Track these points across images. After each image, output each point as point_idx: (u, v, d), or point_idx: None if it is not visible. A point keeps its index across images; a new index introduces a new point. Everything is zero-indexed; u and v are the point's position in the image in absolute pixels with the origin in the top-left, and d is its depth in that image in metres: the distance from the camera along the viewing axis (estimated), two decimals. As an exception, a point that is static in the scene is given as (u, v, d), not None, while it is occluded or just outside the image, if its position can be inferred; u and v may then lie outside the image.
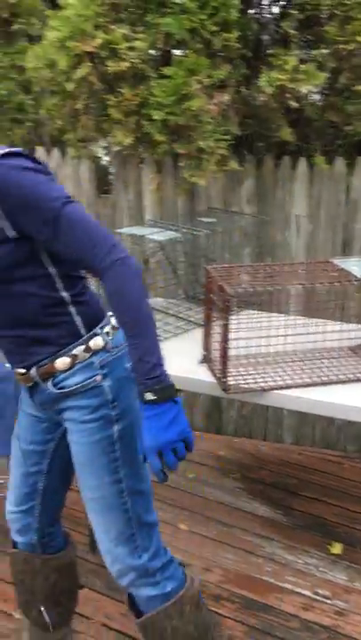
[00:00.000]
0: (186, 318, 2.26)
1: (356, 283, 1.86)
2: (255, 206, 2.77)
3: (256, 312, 2.03)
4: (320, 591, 2.13)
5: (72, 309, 1.30)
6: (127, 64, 2.27)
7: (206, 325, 1.94)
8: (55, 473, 1.56)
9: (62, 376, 1.33)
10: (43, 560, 1.65)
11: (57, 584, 1.69)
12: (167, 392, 1.20)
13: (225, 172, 2.56)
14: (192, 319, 2.25)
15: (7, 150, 1.17)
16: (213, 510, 2.53)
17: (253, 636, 1.94)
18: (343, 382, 1.88)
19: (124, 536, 1.41)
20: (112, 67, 2.28)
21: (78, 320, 1.32)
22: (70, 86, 2.39)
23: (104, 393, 1.34)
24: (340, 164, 2.65)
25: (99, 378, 1.33)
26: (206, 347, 1.94)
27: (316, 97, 2.70)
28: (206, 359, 1.95)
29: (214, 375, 1.86)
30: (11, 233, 1.19)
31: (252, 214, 2.71)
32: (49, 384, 1.34)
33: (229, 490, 2.66)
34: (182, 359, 1.97)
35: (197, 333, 2.17)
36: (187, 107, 2.20)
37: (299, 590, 2.13)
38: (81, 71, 2.31)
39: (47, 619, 1.70)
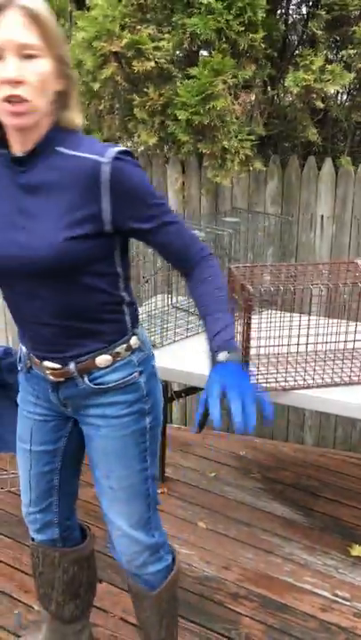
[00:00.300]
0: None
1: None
2: (279, 207, 2.77)
3: (278, 312, 2.03)
4: (339, 593, 2.12)
5: (125, 309, 1.37)
6: (152, 64, 2.29)
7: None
8: (68, 466, 1.57)
9: (101, 372, 1.36)
10: (62, 553, 1.67)
11: (76, 577, 1.71)
12: (241, 358, 1.36)
13: (249, 173, 2.56)
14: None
15: (126, 148, 1.25)
16: (233, 509, 2.53)
17: (271, 635, 1.94)
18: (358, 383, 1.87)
19: (144, 520, 1.50)
20: (138, 66, 2.30)
21: (127, 319, 1.38)
22: (96, 86, 2.41)
23: (140, 388, 1.40)
24: (365, 164, 2.64)
25: (137, 374, 1.39)
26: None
27: (343, 97, 2.70)
28: (227, 357, 1.95)
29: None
30: (108, 227, 1.24)
31: (275, 214, 2.71)
32: (85, 379, 1.36)
33: (250, 490, 2.66)
34: (202, 357, 1.98)
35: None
36: (211, 107, 2.21)
37: (317, 591, 2.12)
38: (107, 71, 2.34)
39: (66, 611, 1.73)
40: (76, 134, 1.25)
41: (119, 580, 2.14)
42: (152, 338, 2.06)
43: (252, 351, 1.79)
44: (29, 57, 1.12)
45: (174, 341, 2.08)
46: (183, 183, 2.76)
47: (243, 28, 2.27)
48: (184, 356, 2.00)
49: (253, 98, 2.46)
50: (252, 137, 2.40)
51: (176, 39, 2.36)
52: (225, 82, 2.23)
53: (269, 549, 2.32)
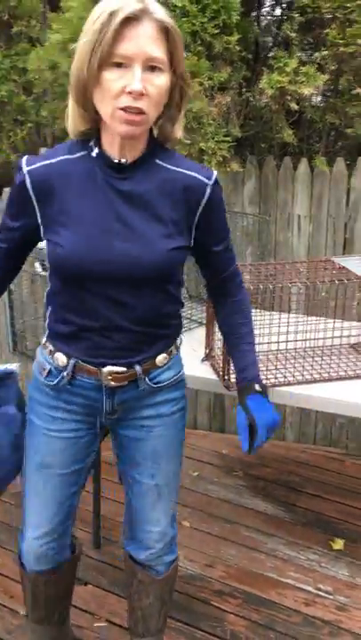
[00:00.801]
0: (189, 317, 2.28)
1: (356, 280, 1.89)
2: (257, 207, 2.80)
3: (258, 311, 2.05)
4: (322, 587, 2.15)
5: (181, 313, 1.47)
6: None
7: (209, 324, 1.97)
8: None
9: (158, 371, 1.40)
10: (65, 571, 1.61)
11: (69, 585, 1.70)
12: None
13: (227, 174, 2.58)
14: (195, 318, 2.28)
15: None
16: (216, 507, 2.56)
17: (256, 630, 1.97)
18: (344, 379, 1.91)
19: (174, 513, 1.60)
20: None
21: (181, 322, 1.48)
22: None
23: (184, 385, 1.51)
24: (340, 164, 2.68)
25: (183, 372, 1.49)
26: (209, 345, 1.97)
27: (318, 99, 2.74)
28: (209, 357, 1.97)
29: (217, 373, 1.89)
30: (189, 242, 1.33)
31: (254, 214, 2.73)
32: (146, 379, 1.39)
33: (232, 487, 2.69)
34: (186, 357, 1.99)
35: (200, 332, 2.19)
36: (188, 109, 2.23)
37: (301, 586, 2.15)
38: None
39: (58, 616, 1.70)
40: (170, 149, 1.32)
41: (105, 582, 2.15)
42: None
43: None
44: (153, 69, 1.15)
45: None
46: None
47: (218, 31, 2.29)
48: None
49: (229, 100, 2.48)
50: (229, 138, 2.43)
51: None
52: (201, 84, 2.25)
53: (253, 546, 2.34)
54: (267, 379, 1.87)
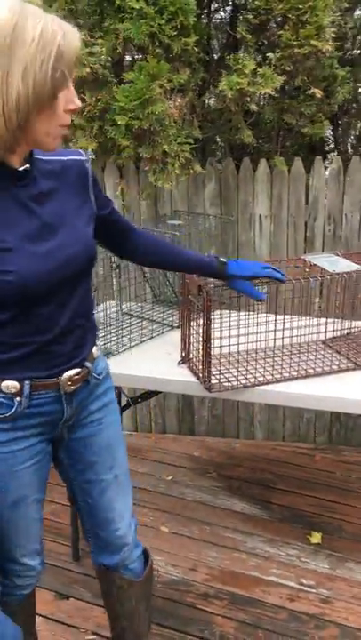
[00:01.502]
0: (160, 321, 2.27)
1: (335, 277, 1.92)
2: (218, 208, 2.81)
3: (228, 312, 2.06)
4: (304, 581, 2.18)
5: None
6: (88, 69, 2.27)
7: (184, 326, 1.96)
8: None
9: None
10: (33, 592, 1.60)
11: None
12: None
13: (189, 175, 2.59)
14: (165, 321, 2.27)
15: None
16: (193, 510, 2.55)
17: (244, 630, 1.97)
18: (320, 375, 1.93)
19: (131, 500, 1.58)
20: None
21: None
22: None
23: (110, 373, 1.52)
24: (298, 164, 2.72)
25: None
26: (185, 347, 1.96)
27: (273, 100, 2.76)
28: (186, 360, 1.96)
29: (195, 375, 1.88)
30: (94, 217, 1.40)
31: (217, 215, 2.75)
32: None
33: (207, 489, 2.69)
34: (161, 361, 1.99)
35: (171, 335, 2.18)
36: (150, 111, 2.22)
37: (284, 582, 2.17)
38: (41, 77, 2.29)
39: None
40: None
41: (88, 595, 2.11)
42: (107, 345, 2.04)
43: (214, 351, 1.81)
44: None
45: (130, 347, 2.07)
46: (122, 189, 2.75)
47: (175, 33, 2.29)
48: (142, 361, 2.00)
49: (187, 101, 2.48)
50: (190, 140, 2.43)
51: (109, 44, 2.35)
52: (162, 86, 2.24)
53: (233, 546, 2.35)
54: (246, 379, 1.88)
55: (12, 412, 1.27)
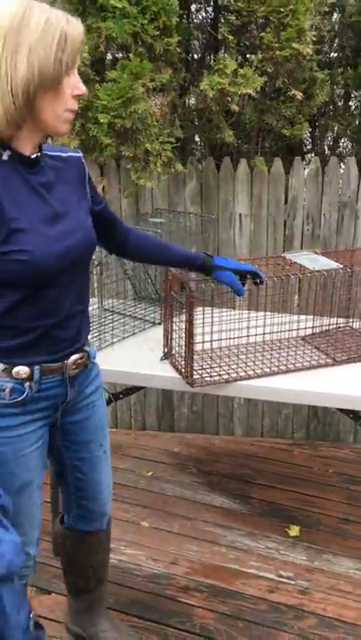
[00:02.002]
0: (142, 318, 2.29)
1: (315, 274, 1.96)
2: (199, 207, 2.84)
3: (209, 309, 2.09)
4: (283, 573, 2.22)
5: None
6: (70, 67, 2.28)
7: (166, 322, 1.99)
8: None
9: (88, 347, 1.49)
10: None
11: None
12: None
13: (171, 174, 2.61)
14: (147, 318, 2.29)
15: None
16: (173, 505, 2.58)
17: (224, 622, 2.00)
18: (300, 370, 1.98)
19: None
20: (55, 70, 2.28)
21: None
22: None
23: None
24: (278, 164, 2.77)
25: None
26: (168, 343, 1.99)
27: (253, 100, 2.80)
28: (168, 355, 1.99)
29: (178, 371, 1.91)
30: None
31: (198, 214, 2.78)
32: (90, 358, 1.50)
33: (187, 484, 2.72)
34: (144, 357, 2.01)
35: (153, 331, 2.21)
36: (133, 110, 2.24)
37: (263, 574, 2.21)
38: (23, 74, 2.29)
39: None
40: None
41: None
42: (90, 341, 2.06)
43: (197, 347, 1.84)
44: None
45: (112, 343, 2.09)
46: (103, 187, 2.76)
47: (158, 33, 2.31)
48: (124, 357, 2.02)
49: (169, 100, 2.51)
50: (172, 139, 2.45)
51: (91, 43, 2.36)
52: (144, 85, 2.26)
53: (213, 540, 2.38)
54: (227, 374, 1.91)
55: (24, 396, 1.34)
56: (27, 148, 1.26)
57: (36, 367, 1.34)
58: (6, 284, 1.25)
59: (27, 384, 1.33)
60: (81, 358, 1.44)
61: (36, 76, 1.17)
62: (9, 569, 1.12)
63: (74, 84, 1.23)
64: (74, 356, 1.41)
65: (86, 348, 1.47)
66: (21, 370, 1.32)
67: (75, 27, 1.20)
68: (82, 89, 1.25)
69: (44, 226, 1.27)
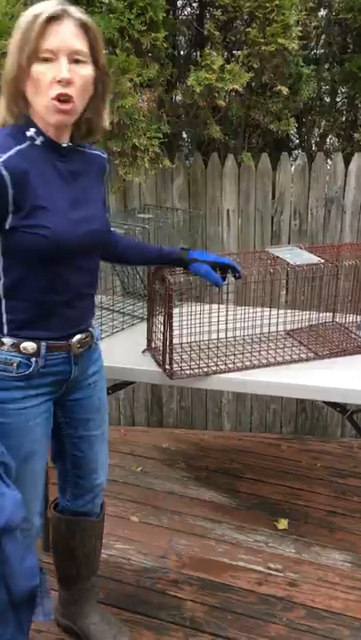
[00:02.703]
0: (130, 313, 2.29)
1: (289, 269, 1.97)
2: (186, 202, 2.85)
3: (197, 304, 2.10)
4: (272, 565, 2.23)
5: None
6: (57, 63, 2.27)
7: (149, 316, 1.99)
8: None
9: (92, 329, 1.57)
10: None
11: None
12: None
13: (159, 169, 2.62)
14: (136, 314, 2.29)
15: None
16: (163, 500, 2.58)
17: (214, 614, 2.02)
18: (281, 364, 1.99)
19: None
20: (42, 65, 2.27)
21: None
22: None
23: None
24: (265, 160, 2.78)
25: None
26: (150, 337, 1.99)
27: (240, 96, 2.81)
28: (150, 349, 2.00)
29: (158, 364, 1.92)
30: None
31: (186, 209, 2.78)
32: (94, 339, 1.58)
33: (176, 479, 2.73)
34: (128, 352, 2.02)
35: (141, 327, 2.21)
36: (120, 105, 2.24)
37: (252, 567, 2.23)
38: (10, 70, 2.28)
39: None
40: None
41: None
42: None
43: (174, 341, 1.84)
44: (77, 62, 1.29)
45: (101, 339, 2.09)
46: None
47: (145, 28, 2.31)
48: (113, 352, 2.02)
49: (157, 96, 2.51)
50: (160, 135, 2.46)
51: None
52: (131, 80, 2.26)
53: (202, 534, 2.39)
54: (208, 367, 1.92)
55: (30, 371, 1.41)
56: (59, 136, 1.36)
57: (43, 343, 1.41)
58: (26, 256, 1.33)
59: (33, 359, 1.41)
60: (85, 338, 1.50)
61: (10, 62, 1.29)
62: (8, 522, 1.20)
63: (56, 71, 1.26)
64: (78, 335, 1.48)
65: (91, 329, 1.54)
66: (29, 345, 1.40)
67: (41, 12, 1.26)
68: (62, 75, 1.26)
69: (66, 208, 1.36)
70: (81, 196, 1.41)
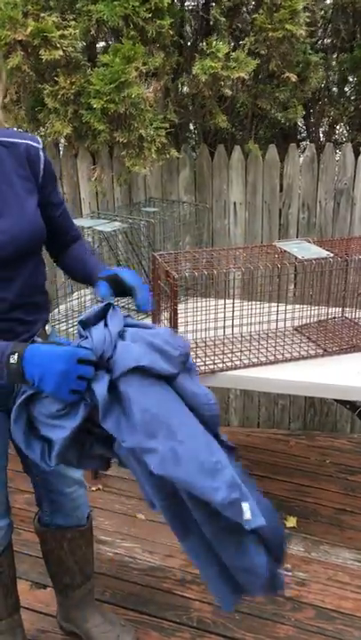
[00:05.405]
0: (134, 308, 2.25)
1: (297, 263, 1.93)
2: (192, 195, 2.80)
3: (203, 299, 2.06)
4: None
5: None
6: (60, 52, 2.23)
7: (154, 312, 1.95)
8: None
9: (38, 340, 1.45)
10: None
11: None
12: None
13: (166, 160, 2.57)
14: (132, 307, 2.25)
15: None
16: (169, 497, 2.55)
17: (221, 614, 1.98)
18: (289, 360, 1.95)
19: None
20: (45, 55, 2.23)
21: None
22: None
23: None
24: (272, 151, 2.72)
25: None
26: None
27: (247, 84, 2.75)
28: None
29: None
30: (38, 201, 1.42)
31: (192, 202, 2.73)
32: None
33: (183, 476, 2.69)
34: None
35: (146, 322, 2.16)
36: (126, 95, 2.18)
37: (260, 566, 2.19)
38: (13, 60, 2.24)
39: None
40: None
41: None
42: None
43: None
44: None
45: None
46: (96, 176, 2.71)
47: (150, 15, 2.25)
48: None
49: (162, 85, 2.45)
50: (166, 125, 2.41)
51: (82, 26, 2.30)
52: (137, 69, 2.21)
53: (209, 532, 2.35)
54: (214, 364, 1.88)
55: None
56: None
57: None
58: None
59: None
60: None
61: None
62: None
63: None
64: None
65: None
66: None
67: None
68: None
69: None
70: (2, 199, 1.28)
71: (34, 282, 1.38)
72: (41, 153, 1.37)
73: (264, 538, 1.21)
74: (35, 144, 1.36)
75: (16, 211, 1.29)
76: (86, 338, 1.19)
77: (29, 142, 1.35)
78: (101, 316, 1.25)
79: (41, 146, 1.38)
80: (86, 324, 1.23)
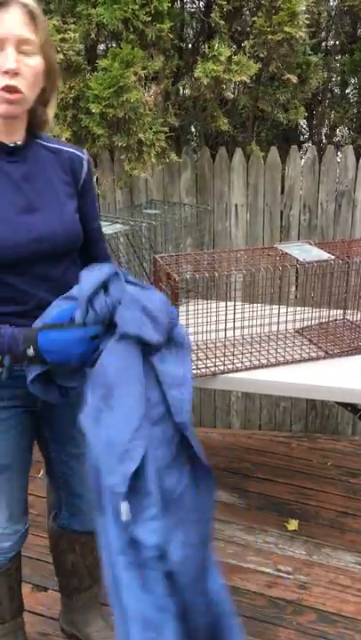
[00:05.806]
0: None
1: (298, 265, 1.92)
2: (194, 197, 2.80)
3: (205, 301, 2.06)
4: (282, 567, 2.19)
5: None
6: (61, 56, 2.23)
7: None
8: None
9: None
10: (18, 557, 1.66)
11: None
12: None
13: (166, 164, 2.57)
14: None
15: None
16: (171, 500, 2.55)
17: (222, 617, 1.98)
18: (290, 363, 1.94)
19: None
20: (45, 59, 2.23)
21: None
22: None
23: None
24: (273, 153, 2.72)
25: None
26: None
27: (248, 87, 2.75)
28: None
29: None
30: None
31: (193, 205, 2.73)
32: None
33: (185, 478, 2.69)
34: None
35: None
36: (125, 99, 2.19)
37: (261, 569, 2.19)
38: (12, 63, 2.24)
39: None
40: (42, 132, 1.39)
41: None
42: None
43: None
44: (26, 52, 1.21)
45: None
46: (97, 178, 2.72)
47: (149, 18, 2.26)
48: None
49: (162, 89, 2.46)
50: (166, 129, 2.41)
51: (82, 30, 2.31)
52: (136, 73, 2.21)
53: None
54: (215, 366, 1.88)
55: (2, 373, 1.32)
56: (10, 134, 1.28)
57: (7, 355, 1.30)
58: None
59: None
60: None
61: None
62: None
63: (2, 61, 1.19)
64: None
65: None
66: None
67: None
68: (6, 66, 1.18)
69: (11, 215, 1.27)
70: (34, 199, 1.31)
71: (64, 284, 1.37)
72: (85, 163, 1.42)
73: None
74: (79, 154, 1.42)
75: (55, 210, 1.33)
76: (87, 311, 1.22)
77: (74, 151, 1.41)
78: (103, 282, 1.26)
79: (86, 157, 1.43)
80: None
